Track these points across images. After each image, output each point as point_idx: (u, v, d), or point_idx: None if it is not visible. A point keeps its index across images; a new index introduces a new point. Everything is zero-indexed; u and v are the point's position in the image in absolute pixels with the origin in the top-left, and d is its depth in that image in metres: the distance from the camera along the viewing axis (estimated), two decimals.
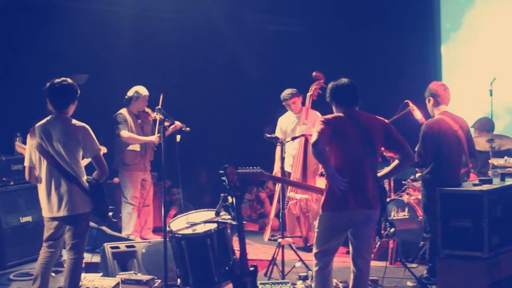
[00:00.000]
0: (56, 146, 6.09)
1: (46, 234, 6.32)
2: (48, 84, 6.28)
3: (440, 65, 11.73)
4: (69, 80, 6.31)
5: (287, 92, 9.18)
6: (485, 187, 5.81)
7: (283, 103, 9.25)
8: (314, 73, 9.01)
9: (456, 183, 6.58)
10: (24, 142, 6.59)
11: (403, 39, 11.58)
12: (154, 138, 9.01)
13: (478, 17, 11.22)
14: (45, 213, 6.25)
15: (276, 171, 9.06)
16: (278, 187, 9.32)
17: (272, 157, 9.17)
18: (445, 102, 7.16)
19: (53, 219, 6.20)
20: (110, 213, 6.52)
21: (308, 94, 9.08)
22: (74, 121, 6.22)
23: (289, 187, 8.97)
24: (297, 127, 9.16)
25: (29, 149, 6.26)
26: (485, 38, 10.96)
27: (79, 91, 6.36)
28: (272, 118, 9.93)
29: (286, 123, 9.36)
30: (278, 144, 7.94)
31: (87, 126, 6.22)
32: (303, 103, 9.19)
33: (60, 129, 6.13)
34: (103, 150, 7.55)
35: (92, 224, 6.47)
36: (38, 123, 6.26)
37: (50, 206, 6.16)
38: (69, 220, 6.17)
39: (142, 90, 9.10)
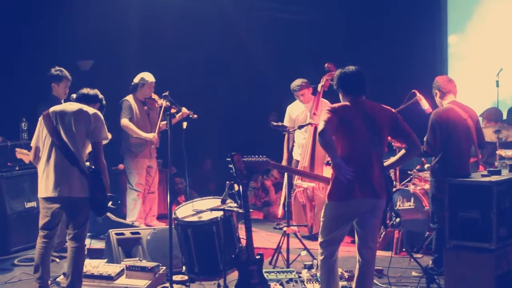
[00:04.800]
0: (67, 125, 6.14)
1: (42, 221, 6.32)
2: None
3: (446, 55, 11.69)
4: (100, 95, 6.60)
5: (296, 83, 9.12)
6: (494, 178, 5.78)
7: (293, 93, 9.21)
8: (326, 65, 8.96)
9: (465, 173, 6.55)
10: (29, 128, 6.60)
11: (411, 29, 11.55)
12: (151, 136, 8.96)
13: (486, 8, 11.16)
14: (41, 193, 6.24)
15: (285, 160, 9.05)
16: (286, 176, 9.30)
17: (278, 145, 9.15)
18: (451, 92, 7.12)
19: (49, 200, 6.17)
20: (110, 202, 6.48)
21: (320, 85, 9.03)
22: (89, 108, 6.32)
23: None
24: (306, 116, 9.11)
25: (38, 130, 6.31)
26: (493, 29, 10.92)
27: (104, 104, 6.63)
28: (277, 106, 9.90)
29: (295, 112, 9.32)
30: (285, 132, 7.90)
31: (101, 114, 6.29)
32: (314, 93, 9.14)
33: (75, 111, 6.22)
34: (109, 136, 7.56)
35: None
36: (54, 107, 6.31)
37: (46, 186, 6.16)
38: (66, 205, 6.16)
39: (148, 77, 9.06)
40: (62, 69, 7.89)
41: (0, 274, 7.36)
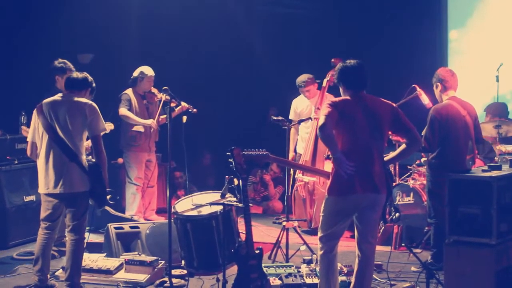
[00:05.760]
0: (62, 120, 6.10)
1: (43, 214, 6.32)
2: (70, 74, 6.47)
3: (447, 50, 11.66)
4: (89, 78, 6.48)
5: (302, 79, 9.08)
6: (495, 173, 5.75)
7: (299, 89, 9.19)
8: (332, 60, 8.92)
9: (462, 169, 6.55)
10: (29, 121, 6.58)
11: (411, 24, 11.50)
12: (150, 122, 8.95)
13: (487, 4, 11.15)
14: (42, 189, 6.25)
15: (291, 154, 9.04)
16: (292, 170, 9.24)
17: (278, 139, 9.13)
18: (453, 87, 7.13)
19: (50, 196, 6.19)
20: (109, 196, 6.48)
21: (325, 80, 9.00)
22: (83, 99, 6.23)
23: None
24: (311, 110, 9.10)
25: (33, 125, 6.28)
26: (493, 24, 10.90)
27: (94, 87, 6.51)
28: (277, 100, 9.88)
29: (300, 106, 9.31)
30: (285, 126, 7.87)
31: (95, 105, 6.21)
32: (319, 87, 9.12)
33: (68, 104, 6.17)
34: (110, 126, 7.58)
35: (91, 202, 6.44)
36: (46, 100, 6.26)
37: (46, 182, 6.16)
38: (67, 199, 6.15)
39: (148, 71, 9.04)
40: (65, 61, 7.83)
41: None
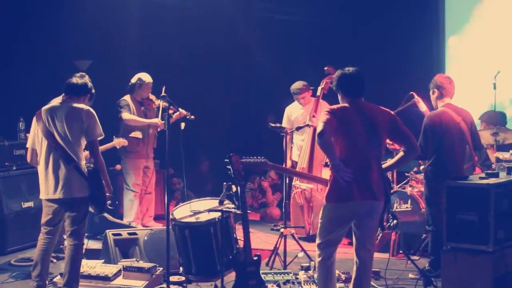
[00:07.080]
0: (60, 126, 6.10)
1: (44, 219, 6.33)
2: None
3: (444, 57, 11.68)
4: (89, 84, 6.47)
5: (297, 86, 9.09)
6: (492, 180, 5.78)
7: (293, 96, 9.20)
8: (326, 68, 8.93)
9: (459, 176, 6.55)
10: (27, 127, 6.59)
11: (408, 31, 11.51)
12: (157, 120, 8.96)
13: (484, 11, 11.17)
14: (42, 195, 6.26)
15: (288, 159, 9.03)
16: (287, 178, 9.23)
17: (276, 146, 9.14)
18: (449, 94, 7.15)
19: (50, 201, 6.20)
20: (109, 201, 6.49)
21: (320, 88, 9.02)
22: (80, 105, 6.23)
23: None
24: (305, 118, 9.09)
25: (33, 131, 6.29)
26: (491, 32, 10.92)
27: (93, 93, 6.49)
28: (275, 107, 9.89)
29: (294, 113, 9.31)
30: (283, 133, 7.88)
31: (93, 110, 6.22)
32: (313, 95, 9.12)
33: (66, 110, 6.16)
34: (124, 143, 7.59)
35: (91, 209, 6.44)
36: (45, 106, 6.27)
37: (46, 188, 6.17)
38: (66, 204, 6.16)
39: (146, 77, 9.04)
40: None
41: None
